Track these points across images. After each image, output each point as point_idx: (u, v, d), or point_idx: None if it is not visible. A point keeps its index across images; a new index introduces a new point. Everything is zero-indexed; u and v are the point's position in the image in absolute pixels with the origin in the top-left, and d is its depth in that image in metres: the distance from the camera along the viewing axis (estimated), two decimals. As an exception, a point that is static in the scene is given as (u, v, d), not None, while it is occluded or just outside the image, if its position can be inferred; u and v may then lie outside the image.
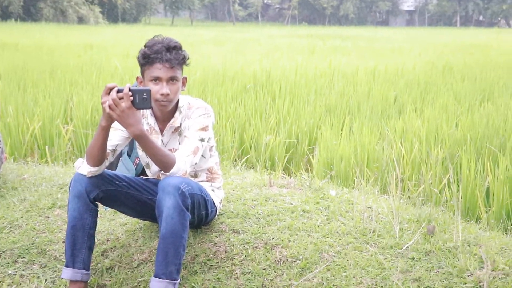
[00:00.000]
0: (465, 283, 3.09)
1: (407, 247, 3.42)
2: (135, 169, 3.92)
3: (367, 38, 35.55)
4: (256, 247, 3.47)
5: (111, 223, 3.94)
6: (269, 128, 7.60)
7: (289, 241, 3.50)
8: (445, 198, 5.18)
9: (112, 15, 61.35)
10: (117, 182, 3.30)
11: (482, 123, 6.88)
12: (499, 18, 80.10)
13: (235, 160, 6.74)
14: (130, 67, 12.54)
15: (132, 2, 63.10)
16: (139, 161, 3.77)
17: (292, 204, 3.97)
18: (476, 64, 15.40)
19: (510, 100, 9.18)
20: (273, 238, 3.53)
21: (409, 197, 5.18)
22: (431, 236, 3.53)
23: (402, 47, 25.20)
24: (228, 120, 7.53)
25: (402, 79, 11.86)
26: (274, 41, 29.37)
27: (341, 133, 7.17)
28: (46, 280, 3.42)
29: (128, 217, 3.86)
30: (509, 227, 4.75)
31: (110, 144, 3.23)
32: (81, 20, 53.16)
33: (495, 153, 5.98)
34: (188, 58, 3.31)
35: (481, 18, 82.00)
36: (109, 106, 2.94)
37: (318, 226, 3.66)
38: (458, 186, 5.28)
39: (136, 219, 3.85)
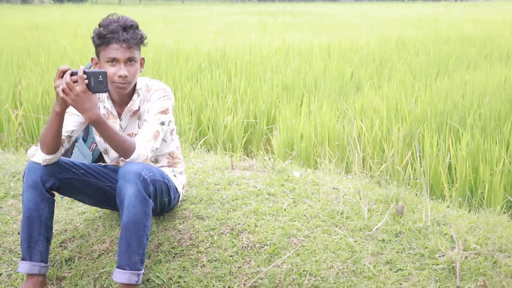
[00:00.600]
0: (438, 264, 3.03)
1: (377, 228, 3.34)
2: (92, 154, 3.74)
3: (317, 14, 35.52)
4: (222, 233, 3.35)
5: (69, 212, 3.76)
6: (226, 108, 7.45)
7: (256, 226, 3.38)
8: (409, 175, 5.15)
9: (58, -5, 59.83)
10: (74, 170, 3.13)
11: (441, 98, 6.87)
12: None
13: (194, 142, 6.58)
14: (79, 47, 12.17)
15: (78, -19, 61.68)
16: (96, 146, 3.59)
17: (256, 187, 3.85)
18: (428, 38, 15.49)
19: (465, 74, 9.23)
20: (239, 224, 3.40)
21: (371, 175, 5.12)
22: (400, 217, 3.46)
23: (353, 22, 25.24)
24: (185, 101, 7.34)
25: (357, 55, 11.83)
26: (225, 18, 29.06)
27: (300, 112, 7.06)
28: (1, 274, 3.23)
29: (87, 205, 3.68)
30: (473, 204, 4.74)
31: (65, 130, 3.05)
32: (25, 0, 51.62)
33: (455, 129, 5.97)
34: (146, 37, 3.14)
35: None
36: (63, 90, 2.75)
37: (285, 210, 3.56)
38: (421, 163, 5.24)
39: (95, 208, 3.68)
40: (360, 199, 3.67)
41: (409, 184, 4.97)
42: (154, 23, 23.83)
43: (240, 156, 5.61)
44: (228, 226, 3.39)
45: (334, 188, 3.87)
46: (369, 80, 9.10)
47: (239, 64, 9.99)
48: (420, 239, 3.24)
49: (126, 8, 44.53)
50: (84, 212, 3.71)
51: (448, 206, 3.86)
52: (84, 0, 63.64)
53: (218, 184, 3.89)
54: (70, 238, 3.46)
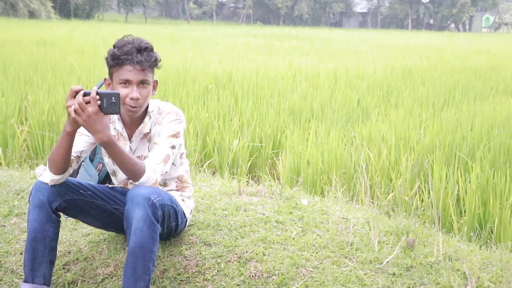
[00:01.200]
0: (450, 301, 2.96)
1: (388, 261, 3.27)
2: (98, 175, 3.69)
3: (322, 39, 35.64)
4: (229, 261, 3.28)
5: (73, 233, 3.69)
6: (232, 131, 7.41)
7: (264, 255, 3.31)
8: (419, 207, 5.08)
9: (65, 10, 60.08)
10: (81, 191, 3.07)
11: (449, 130, 6.83)
12: (449, 22, 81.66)
13: (198, 164, 6.53)
14: (86, 65, 12.15)
15: (85, -2, 61.98)
16: (102, 166, 3.54)
17: (264, 214, 3.79)
18: (434, 68, 15.51)
19: (473, 105, 9.20)
20: (247, 252, 3.34)
21: (378, 205, 5.06)
22: (411, 250, 3.39)
23: (358, 49, 25.30)
24: (191, 123, 7.30)
25: (363, 82, 11.81)
26: (231, 40, 29.16)
27: (307, 138, 7.02)
28: (2, 296, 3.16)
29: (91, 227, 3.62)
30: (485, 238, 4.67)
31: (75, 151, 3.02)
32: (32, 14, 51.81)
33: (464, 161, 5.91)
34: (160, 60, 3.10)
35: (431, 21, 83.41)
36: (75, 111, 2.72)
37: (293, 239, 3.49)
38: (429, 194, 5.18)
39: (100, 230, 3.61)
40: (370, 230, 3.61)
41: (417, 216, 4.90)
42: (161, 42, 23.89)
43: (247, 181, 5.56)
44: (236, 253, 3.32)
45: (343, 218, 3.81)
46: (376, 108, 9.07)
47: (246, 87, 9.97)
48: (432, 274, 3.17)
49: (132, 26, 44.74)
50: (89, 234, 3.64)
51: (459, 240, 3.80)
52: (91, 16, 63.96)
53: (225, 210, 3.83)
54: (74, 261, 3.40)
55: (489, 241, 4.59)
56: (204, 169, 5.94)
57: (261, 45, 25.38)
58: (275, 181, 5.11)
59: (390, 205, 5.19)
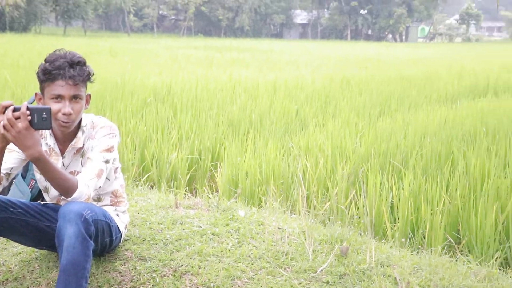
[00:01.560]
0: (382, 307, 3.03)
1: (322, 270, 3.33)
2: (31, 192, 3.63)
3: (263, 50, 35.91)
4: (164, 275, 3.27)
5: (3, 252, 3.61)
6: (171, 144, 7.39)
7: (200, 268, 3.32)
8: (353, 215, 5.18)
9: (0, 24, 58.64)
10: (11, 209, 3.01)
11: (384, 138, 6.99)
12: (386, 33, 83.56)
13: (136, 178, 6.48)
14: (21, 79, 11.90)
15: (21, 10, 60.49)
16: (35, 183, 3.49)
17: (200, 227, 3.80)
18: (371, 78, 15.83)
19: (407, 114, 9.44)
20: (182, 265, 3.34)
21: (315, 214, 5.14)
22: (345, 258, 3.46)
23: (298, 59, 25.59)
24: (129, 137, 7.25)
25: (302, 93, 11.96)
26: (171, 52, 29.04)
27: (245, 149, 7.06)
28: None
29: (22, 245, 3.55)
30: (415, 243, 4.79)
31: (4, 168, 2.95)
32: (-35, 28, 50.37)
33: (398, 169, 6.06)
34: (93, 74, 3.08)
35: (370, 32, 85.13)
36: (4, 126, 2.67)
37: (229, 250, 3.51)
38: (365, 202, 5.29)
39: (32, 248, 3.55)
40: (305, 239, 3.66)
41: (352, 224, 5.00)
42: (100, 55, 23.60)
43: (184, 194, 5.56)
44: (171, 267, 3.32)
45: (279, 228, 3.86)
46: (314, 118, 9.20)
47: (185, 100, 9.96)
48: (364, 281, 3.24)
49: (71, 39, 44.04)
50: (20, 253, 3.57)
51: (391, 247, 3.89)
52: (28, 30, 62.58)
53: (161, 224, 3.82)
54: (3, 281, 3.32)
55: (421, 246, 4.72)
56: (142, 183, 5.90)
57: (201, 57, 25.39)
58: (213, 193, 5.13)
59: (326, 214, 5.27)
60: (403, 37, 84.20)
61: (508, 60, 25.04)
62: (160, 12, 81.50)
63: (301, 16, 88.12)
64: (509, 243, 4.78)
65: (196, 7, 73.82)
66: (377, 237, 4.53)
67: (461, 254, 4.46)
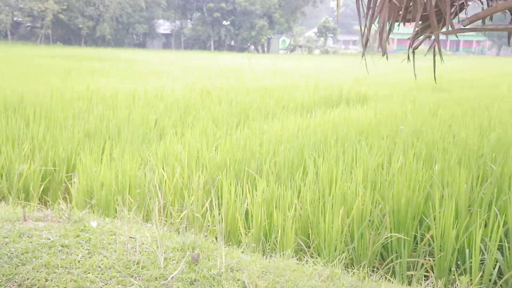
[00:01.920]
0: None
1: (172, 277, 3.36)
2: None
3: (125, 60, 35.38)
4: (8, 290, 3.16)
5: None
6: (22, 155, 7.09)
7: (46, 280, 3.24)
8: (208, 223, 5.24)
9: None
10: None
11: (239, 147, 7.13)
12: (249, 44, 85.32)
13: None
14: None
15: None
16: None
17: (49, 239, 3.71)
18: (232, 88, 16.08)
19: (264, 123, 9.68)
20: (28, 279, 3.24)
21: (172, 223, 5.16)
22: (196, 264, 3.51)
23: (161, 69, 25.48)
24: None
25: (162, 103, 11.92)
26: (26, 61, 27.87)
27: (101, 159, 6.93)
28: None
29: None
30: (267, 249, 4.93)
31: None
32: None
33: (252, 176, 6.21)
34: None
35: (233, 43, 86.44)
36: None
37: (79, 262, 3.45)
38: (220, 210, 5.37)
39: None
40: (157, 248, 3.67)
41: (208, 231, 5.06)
42: None
43: (36, 205, 5.37)
44: (16, 281, 3.21)
45: (131, 237, 3.84)
46: (173, 128, 9.20)
47: (39, 110, 9.60)
48: (214, 286, 3.30)
49: None
50: None
51: (243, 252, 3.99)
52: None
53: (7, 237, 3.69)
54: None
55: (273, 251, 4.86)
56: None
57: (58, 66, 24.57)
58: (67, 205, 5.00)
59: (183, 222, 5.29)
60: (265, 48, 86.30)
61: (360, 72, 26.32)
62: (15, 18, 77.91)
63: (164, 26, 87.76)
64: (354, 244, 5.05)
65: (54, 15, 71.23)
66: (230, 243, 4.62)
67: (311, 257, 4.65)
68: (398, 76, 24.63)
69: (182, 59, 41.46)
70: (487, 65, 43.20)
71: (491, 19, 4.43)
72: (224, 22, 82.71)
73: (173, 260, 3.57)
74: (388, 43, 4.32)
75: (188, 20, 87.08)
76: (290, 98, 14.15)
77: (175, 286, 3.28)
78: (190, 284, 3.32)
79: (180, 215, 5.58)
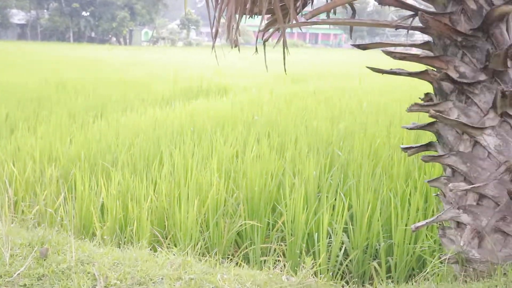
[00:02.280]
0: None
1: (19, 274, 3.28)
2: None
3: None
4: None
5: None
6: None
7: None
8: (61, 218, 5.14)
9: None
10: None
11: (95, 139, 7.03)
12: (110, 35, 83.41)
13: None
14: None
15: None
16: None
17: None
18: (90, 81, 15.72)
19: (121, 116, 9.58)
20: None
21: (23, 219, 5.01)
22: (44, 260, 3.45)
23: (15, 62, 24.37)
24: None
25: (14, 96, 11.44)
26: None
27: None
28: None
29: None
30: (123, 241, 4.92)
31: None
32: None
33: (108, 169, 6.15)
34: None
35: (93, 34, 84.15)
36: None
37: None
38: (72, 204, 5.29)
39: None
40: (3, 244, 3.57)
41: (61, 226, 4.97)
42: None
43: None
44: None
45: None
46: (25, 122, 8.88)
47: None
48: (63, 280, 3.26)
49: None
50: None
51: (95, 245, 3.97)
52: None
53: None
54: None
55: (130, 242, 4.86)
56: None
57: None
58: None
59: (34, 218, 5.16)
60: (127, 40, 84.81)
61: (222, 64, 26.66)
62: None
63: (18, 16, 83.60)
64: (209, 232, 5.15)
65: None
66: (83, 237, 4.57)
67: (168, 248, 4.70)
68: (259, 68, 25.19)
69: (38, 50, 39.88)
70: (342, 58, 45.16)
71: (334, 13, 4.67)
72: (84, 13, 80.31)
73: (20, 256, 3.48)
74: (239, 35, 4.46)
75: (45, 10, 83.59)
76: (150, 91, 14.09)
77: (21, 283, 3.21)
78: (38, 280, 3.25)
79: (32, 210, 5.44)
